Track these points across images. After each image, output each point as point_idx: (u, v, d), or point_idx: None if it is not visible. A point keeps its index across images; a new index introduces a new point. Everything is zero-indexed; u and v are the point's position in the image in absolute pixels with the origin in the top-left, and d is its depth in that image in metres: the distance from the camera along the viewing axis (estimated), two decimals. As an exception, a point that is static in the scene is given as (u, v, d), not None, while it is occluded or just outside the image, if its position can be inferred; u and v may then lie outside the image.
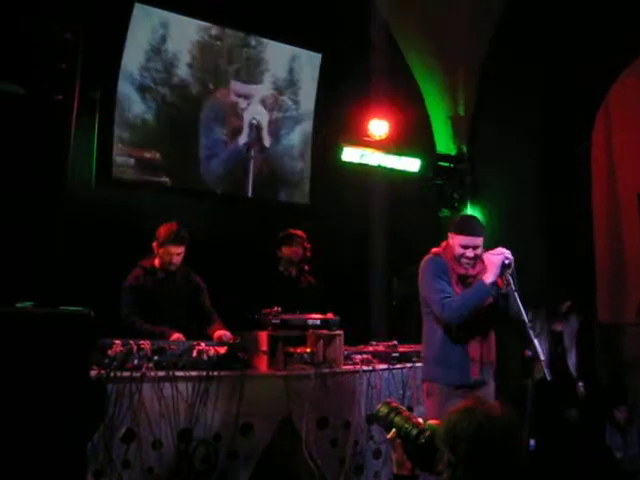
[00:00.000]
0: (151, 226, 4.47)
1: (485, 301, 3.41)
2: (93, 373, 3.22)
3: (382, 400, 2.42)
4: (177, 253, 4.26)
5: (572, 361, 5.45)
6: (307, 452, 3.71)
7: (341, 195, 6.41)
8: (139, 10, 5.39)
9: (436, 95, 6.97)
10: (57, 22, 4.13)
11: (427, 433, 1.98)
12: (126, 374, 3.32)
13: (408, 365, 4.27)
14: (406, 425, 2.05)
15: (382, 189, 6.65)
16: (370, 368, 4.07)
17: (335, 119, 6.39)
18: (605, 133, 7.07)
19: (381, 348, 4.37)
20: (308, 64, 6.44)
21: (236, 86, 6.09)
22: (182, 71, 5.77)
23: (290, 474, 3.79)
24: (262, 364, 3.76)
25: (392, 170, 6.63)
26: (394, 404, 2.17)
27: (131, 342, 3.44)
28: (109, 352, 3.36)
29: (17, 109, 4.22)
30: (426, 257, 3.59)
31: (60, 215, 4.33)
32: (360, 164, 6.46)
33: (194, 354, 3.58)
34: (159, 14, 5.54)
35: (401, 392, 4.20)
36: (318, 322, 3.96)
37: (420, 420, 2.09)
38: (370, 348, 4.39)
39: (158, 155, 5.67)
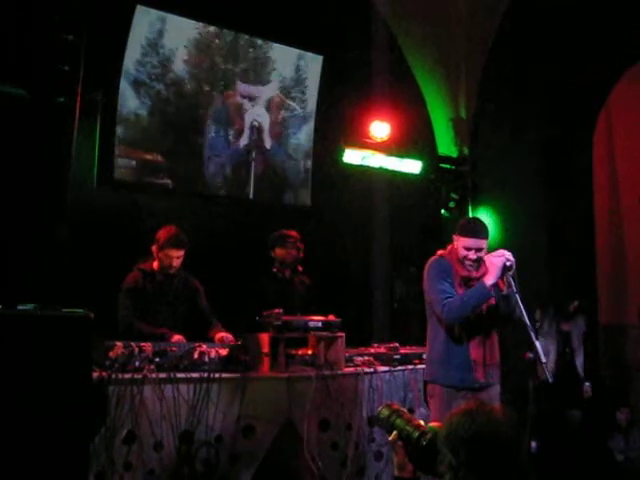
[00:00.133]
0: (152, 228, 4.47)
1: (485, 302, 3.42)
2: (94, 375, 3.21)
3: (383, 402, 2.41)
4: (177, 257, 4.25)
5: (580, 361, 5.45)
6: (308, 454, 3.70)
7: (343, 197, 6.41)
8: (140, 11, 5.40)
9: (437, 97, 6.98)
10: (59, 24, 4.14)
11: (429, 435, 1.98)
12: (127, 376, 3.32)
13: (409, 367, 4.27)
14: (407, 427, 2.05)
15: (383, 191, 6.66)
16: (371, 370, 4.07)
17: (337, 121, 6.39)
18: (606, 135, 7.07)
19: (382, 350, 4.37)
20: (314, 61, 6.44)
21: (242, 87, 6.09)
22: (178, 67, 5.74)
23: (291, 476, 3.79)
24: (263, 366, 3.76)
25: (393, 172, 6.64)
26: (395, 406, 2.17)
27: (132, 344, 3.44)
28: (110, 354, 3.36)
29: (19, 111, 4.22)
30: (431, 258, 3.62)
31: (61, 217, 4.34)
32: (362, 166, 6.46)
33: (195, 356, 3.58)
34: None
35: (402, 394, 4.19)
36: (320, 324, 3.96)
37: (421, 422, 2.08)
38: (371, 350, 4.39)
39: (160, 157, 5.68)
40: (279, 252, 4.84)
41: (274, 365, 3.75)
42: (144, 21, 5.46)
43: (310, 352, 3.91)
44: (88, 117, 4.93)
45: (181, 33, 5.72)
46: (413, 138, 6.72)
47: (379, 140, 6.47)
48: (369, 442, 4.02)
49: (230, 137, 6.03)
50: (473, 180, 6.85)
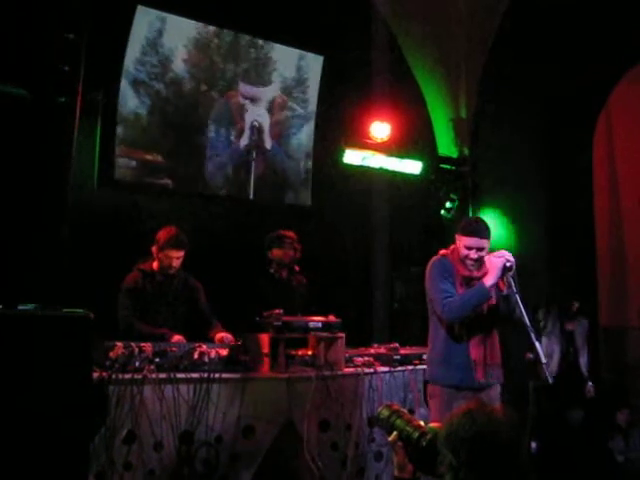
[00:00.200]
0: (152, 228, 4.47)
1: (485, 303, 3.43)
2: (95, 375, 3.21)
3: (383, 403, 2.41)
4: (177, 257, 4.26)
5: (584, 361, 5.46)
6: (308, 455, 3.70)
7: (343, 197, 6.41)
8: (141, 11, 5.40)
9: (438, 98, 6.98)
10: (60, 24, 4.14)
11: (429, 436, 1.98)
12: (127, 376, 3.32)
13: (410, 367, 4.27)
14: (407, 428, 2.05)
15: (384, 191, 6.66)
16: (371, 371, 4.07)
17: (337, 121, 6.39)
18: (606, 136, 7.08)
19: (383, 350, 4.37)
20: (315, 62, 6.44)
21: (244, 88, 6.09)
22: (177, 67, 5.73)
23: (291, 477, 3.79)
24: (264, 366, 3.76)
25: (394, 172, 6.64)
26: (395, 407, 2.17)
27: (132, 344, 3.44)
28: (110, 354, 3.36)
29: (20, 111, 4.22)
30: (433, 258, 3.63)
31: (62, 217, 4.34)
32: (362, 166, 6.46)
33: (195, 356, 3.58)
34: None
35: (402, 395, 4.19)
36: (320, 325, 3.96)
37: (421, 423, 2.08)
38: (372, 350, 4.39)
39: (160, 157, 5.68)
40: (276, 253, 4.84)
41: (274, 365, 3.75)
42: (144, 20, 5.46)
43: (310, 352, 3.91)
44: (89, 117, 4.93)
45: (181, 32, 5.71)
46: (413, 138, 6.72)
47: (379, 140, 6.47)
48: (369, 442, 4.02)
49: (231, 137, 6.03)
50: (473, 181, 6.85)
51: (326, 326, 3.97)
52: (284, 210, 6.30)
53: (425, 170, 6.75)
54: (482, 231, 3.51)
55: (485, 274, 3.42)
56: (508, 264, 3.31)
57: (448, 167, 6.90)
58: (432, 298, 3.54)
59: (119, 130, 5.44)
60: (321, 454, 3.77)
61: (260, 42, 6.15)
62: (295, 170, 6.43)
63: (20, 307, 3.00)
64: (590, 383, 5.45)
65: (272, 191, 6.31)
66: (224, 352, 3.70)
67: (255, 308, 4.01)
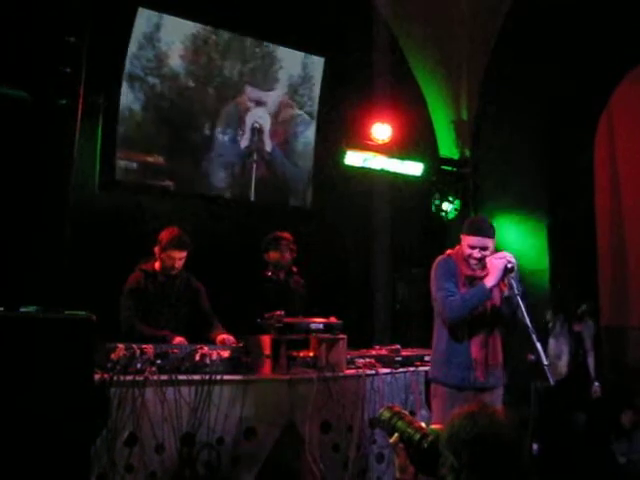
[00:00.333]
0: (154, 230, 4.48)
1: (484, 303, 3.44)
2: (96, 377, 3.21)
3: (385, 404, 2.41)
4: (179, 258, 4.26)
5: (591, 363, 5.46)
6: (310, 456, 3.70)
7: (344, 199, 6.41)
8: (142, 14, 5.40)
9: (439, 99, 6.98)
10: (61, 26, 4.14)
11: (430, 438, 1.98)
12: (129, 378, 3.32)
13: (411, 369, 4.28)
14: (409, 429, 2.05)
15: (385, 193, 6.66)
16: (373, 372, 4.07)
17: (338, 123, 6.40)
18: (608, 137, 7.07)
19: (384, 352, 4.37)
20: (318, 61, 6.44)
21: (252, 92, 6.09)
22: (174, 62, 5.68)
23: (293, 478, 3.79)
24: (265, 368, 3.76)
25: (395, 174, 6.64)
26: (397, 408, 2.17)
27: (134, 346, 3.44)
28: (112, 356, 3.36)
29: (20, 113, 4.22)
30: (438, 258, 3.65)
31: (63, 219, 4.33)
32: (363, 168, 6.46)
33: (197, 358, 3.58)
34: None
35: (404, 396, 4.20)
36: (321, 326, 3.96)
37: (423, 425, 2.08)
38: (373, 352, 4.39)
39: (161, 159, 5.68)
40: (273, 255, 4.84)
41: (276, 367, 3.75)
42: (143, 17, 5.41)
43: (311, 354, 3.91)
44: (90, 119, 4.93)
45: (178, 28, 5.65)
46: (414, 140, 6.72)
47: (380, 142, 6.47)
48: (370, 444, 4.02)
49: (231, 139, 6.03)
50: (475, 182, 6.85)
51: (327, 328, 3.98)
52: (285, 212, 6.30)
53: (426, 172, 6.75)
54: (485, 230, 3.52)
55: (487, 274, 3.43)
56: (509, 265, 3.32)
57: (449, 169, 6.90)
58: (435, 297, 3.58)
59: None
60: (322, 456, 3.77)
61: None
62: (296, 172, 6.43)
63: (22, 309, 3.00)
64: (597, 384, 5.45)
65: (273, 193, 6.31)
66: (225, 354, 3.70)
67: (255, 310, 4.01)
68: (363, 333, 5.40)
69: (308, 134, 6.43)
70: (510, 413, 1.75)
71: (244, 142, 6.10)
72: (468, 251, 3.50)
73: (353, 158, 6.40)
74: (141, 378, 3.35)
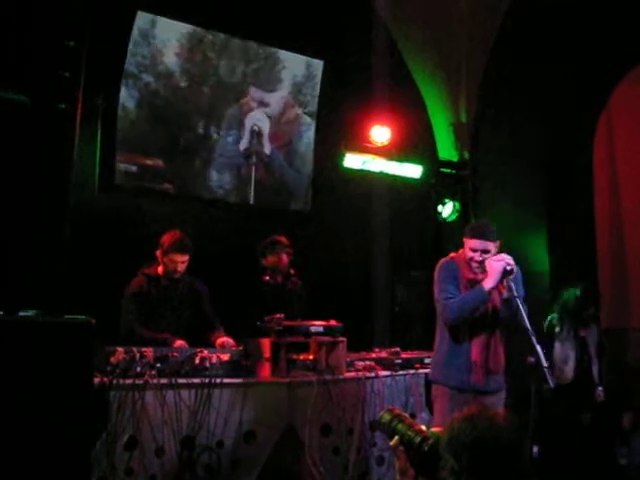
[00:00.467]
0: (154, 233, 4.48)
1: (483, 305, 3.45)
2: (96, 380, 3.21)
3: (385, 407, 2.41)
4: (181, 261, 4.27)
5: (595, 368, 5.47)
6: (310, 459, 3.70)
7: (343, 201, 6.41)
8: (141, 17, 5.39)
9: (438, 102, 6.98)
10: (60, 31, 4.15)
11: (430, 441, 1.98)
12: (129, 381, 3.32)
13: (411, 372, 4.28)
14: (409, 432, 2.05)
15: (384, 195, 6.66)
16: (373, 375, 4.07)
17: (337, 125, 6.40)
18: (607, 138, 7.07)
19: (384, 355, 4.37)
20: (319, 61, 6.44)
21: (256, 93, 6.08)
22: (169, 60, 5.62)
23: (293, 481, 3.79)
24: (265, 371, 3.76)
25: (394, 176, 6.64)
26: (397, 411, 2.17)
27: (134, 349, 3.44)
28: (112, 359, 3.36)
29: (20, 117, 4.23)
30: (441, 260, 3.67)
31: (63, 223, 4.34)
32: (362, 170, 6.47)
33: (197, 361, 3.58)
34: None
35: (404, 399, 4.20)
36: (321, 329, 3.96)
37: (423, 427, 2.08)
38: (373, 355, 4.39)
39: (160, 162, 5.67)
40: (271, 259, 4.84)
41: (275, 370, 3.75)
42: (139, 16, 5.40)
43: (311, 357, 3.91)
44: (89, 123, 4.94)
45: (174, 26, 5.62)
46: (413, 142, 6.73)
47: (379, 144, 6.47)
48: (371, 447, 4.02)
49: (232, 141, 6.03)
50: (474, 184, 6.85)
51: (327, 330, 3.98)
52: (284, 215, 6.30)
53: (425, 174, 6.75)
54: (487, 233, 3.52)
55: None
56: (508, 267, 3.32)
57: (448, 171, 6.89)
58: (436, 299, 3.61)
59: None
60: (323, 459, 3.77)
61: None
62: (295, 175, 6.43)
63: (21, 313, 3.00)
64: (600, 388, 5.46)
65: (272, 196, 6.30)
66: (225, 357, 3.70)
67: (254, 314, 4.02)
68: (363, 336, 5.39)
69: (308, 136, 6.43)
70: (510, 416, 1.74)
71: (243, 145, 6.10)
72: (470, 254, 3.52)
73: (352, 161, 6.40)
74: (141, 381, 3.35)
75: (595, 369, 5.48)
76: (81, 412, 2.98)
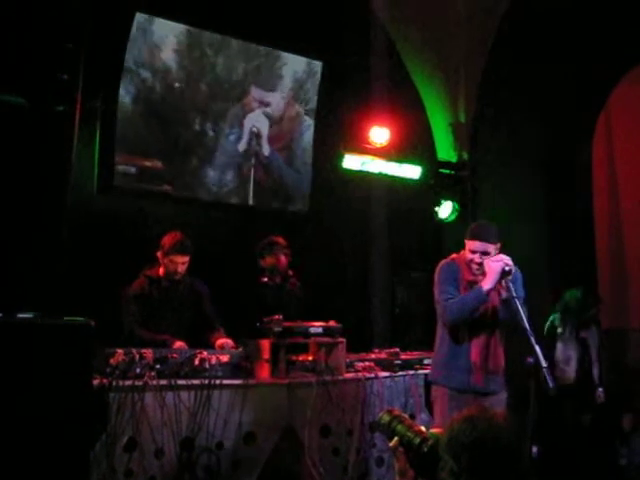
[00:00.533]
0: (153, 234, 4.48)
1: (481, 305, 3.45)
2: (95, 382, 3.21)
3: (384, 408, 2.41)
4: (182, 262, 4.28)
5: (596, 369, 5.48)
6: (310, 460, 3.70)
7: (342, 203, 6.41)
8: (140, 19, 5.39)
9: (437, 102, 6.99)
10: (59, 33, 4.15)
11: (430, 442, 1.97)
12: (128, 383, 3.32)
13: (411, 372, 4.28)
14: (408, 433, 2.05)
15: (383, 196, 6.66)
16: (372, 376, 4.07)
17: (336, 126, 6.40)
18: (606, 138, 7.08)
19: (383, 355, 4.37)
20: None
21: (255, 91, 6.08)
22: (166, 56, 5.57)
23: (293, 483, 3.79)
24: (264, 372, 3.76)
25: (393, 177, 6.64)
26: (396, 412, 2.17)
27: (133, 351, 3.44)
28: (111, 361, 3.36)
29: (19, 119, 4.23)
30: (442, 261, 3.68)
31: (62, 224, 4.34)
32: (361, 171, 6.46)
33: (196, 363, 3.58)
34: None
35: (404, 400, 4.20)
36: (320, 330, 3.96)
37: (422, 428, 2.08)
38: (372, 355, 4.40)
39: (159, 163, 5.67)
40: (269, 260, 4.84)
41: (275, 371, 3.75)
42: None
43: (311, 358, 3.92)
44: (88, 124, 4.94)
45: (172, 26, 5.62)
46: (412, 143, 6.72)
47: (378, 145, 6.47)
48: (370, 448, 4.02)
49: (231, 142, 6.03)
50: (473, 185, 6.85)
51: (327, 331, 3.98)
52: (283, 216, 6.30)
53: (424, 175, 6.75)
54: (487, 235, 3.52)
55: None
56: (507, 268, 3.32)
57: (447, 171, 6.89)
58: (436, 300, 3.61)
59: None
60: (322, 460, 3.77)
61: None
62: (294, 176, 6.43)
63: (20, 315, 3.00)
64: (600, 389, 5.47)
65: (271, 197, 6.30)
66: (225, 358, 3.71)
67: (252, 315, 4.02)
68: (362, 337, 5.40)
69: (308, 137, 6.43)
70: (509, 416, 1.75)
71: (242, 146, 6.10)
72: (470, 256, 3.52)
73: (351, 162, 6.40)
74: (140, 383, 3.35)
75: (595, 370, 5.50)
76: (80, 414, 2.98)
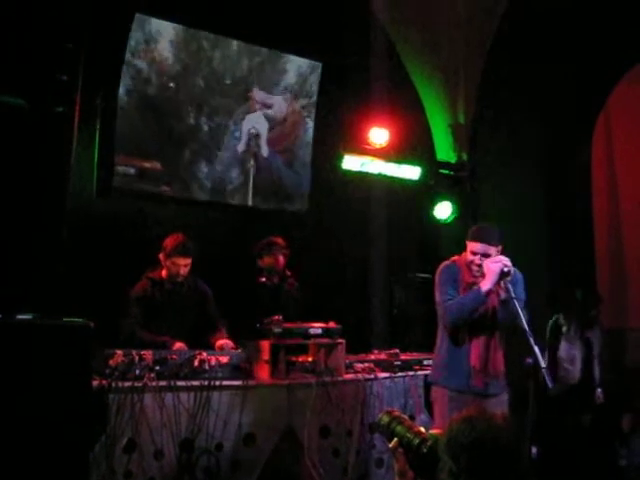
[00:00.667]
0: (153, 235, 4.47)
1: (482, 306, 3.44)
2: (94, 383, 3.21)
3: (384, 409, 2.41)
4: (184, 264, 4.28)
5: (597, 369, 5.49)
6: (309, 461, 3.70)
7: (341, 203, 6.41)
8: (139, 19, 5.38)
9: (436, 103, 6.98)
10: (58, 33, 4.15)
11: (429, 442, 1.98)
12: (128, 384, 3.32)
13: (410, 373, 4.28)
14: (408, 434, 2.05)
15: (382, 197, 6.66)
16: (372, 377, 4.07)
17: (335, 127, 6.40)
18: (605, 138, 7.09)
19: (383, 356, 4.37)
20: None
21: (259, 95, 6.08)
22: (163, 47, 5.52)
23: (293, 484, 3.78)
24: (264, 373, 3.76)
25: (392, 178, 6.64)
26: (396, 413, 2.17)
27: (133, 352, 3.44)
28: (110, 362, 3.36)
29: (18, 120, 4.23)
30: (443, 263, 3.68)
31: (61, 226, 4.34)
32: (360, 172, 6.46)
33: (196, 364, 3.58)
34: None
35: (403, 401, 4.19)
36: (320, 331, 3.96)
37: (422, 429, 2.08)
38: (372, 356, 4.40)
39: (158, 165, 5.66)
40: (267, 260, 4.84)
41: (274, 372, 3.75)
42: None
43: (310, 359, 3.92)
44: (87, 126, 4.94)
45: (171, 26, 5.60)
46: (412, 144, 6.72)
47: (378, 146, 6.47)
48: (370, 449, 4.02)
49: (230, 143, 6.02)
50: (472, 185, 6.85)
51: (326, 332, 3.98)
52: (282, 216, 6.29)
53: (424, 175, 6.75)
54: (488, 237, 3.52)
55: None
56: (505, 269, 3.32)
57: (447, 172, 6.89)
58: (436, 301, 3.62)
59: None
60: (322, 461, 3.77)
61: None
62: (293, 176, 6.43)
63: (19, 316, 3.00)
64: (599, 389, 5.47)
65: (270, 198, 6.30)
66: (224, 359, 3.70)
67: (251, 315, 4.02)
68: (361, 338, 5.39)
69: (308, 137, 6.42)
70: (508, 417, 1.75)
71: (241, 147, 6.10)
72: (470, 257, 3.53)
73: (350, 162, 6.40)
74: (140, 384, 3.34)
75: (597, 371, 5.51)
76: (80, 415, 2.98)
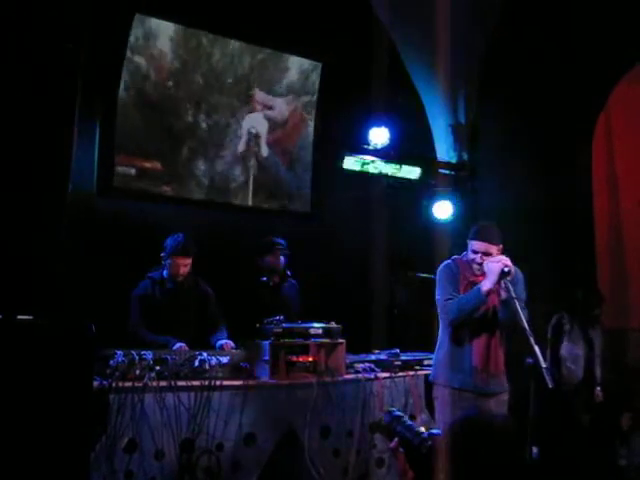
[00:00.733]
0: (152, 235, 4.48)
1: (480, 306, 3.44)
2: (95, 383, 3.21)
3: (384, 409, 2.41)
4: (184, 264, 4.30)
5: (599, 368, 5.50)
6: (310, 461, 3.70)
7: (342, 203, 6.41)
8: (139, 19, 5.38)
9: (436, 103, 6.98)
10: (58, 33, 4.15)
11: (429, 442, 1.98)
12: (128, 384, 3.33)
13: (410, 373, 4.27)
14: (408, 434, 2.05)
15: (382, 197, 6.65)
16: (372, 376, 4.07)
17: (336, 127, 6.40)
18: (605, 138, 7.08)
19: (383, 356, 4.37)
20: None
21: (259, 95, 6.08)
22: (162, 44, 5.53)
23: (293, 484, 3.79)
24: (264, 373, 3.76)
25: (392, 178, 6.63)
26: (396, 413, 2.17)
27: (133, 352, 3.45)
28: (111, 362, 3.36)
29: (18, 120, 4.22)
30: (443, 262, 3.70)
31: (61, 226, 4.33)
32: (361, 172, 6.46)
33: (196, 364, 3.58)
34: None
35: (403, 400, 4.19)
36: (320, 331, 3.96)
37: (422, 429, 2.08)
38: (372, 356, 4.39)
39: (159, 164, 5.67)
40: (268, 260, 4.85)
41: (275, 372, 3.75)
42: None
43: (311, 359, 3.91)
44: (87, 126, 4.93)
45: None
46: (412, 144, 6.72)
47: (378, 146, 6.47)
48: (370, 449, 4.02)
49: (230, 143, 6.02)
50: (472, 185, 6.85)
51: (327, 332, 3.98)
52: (283, 216, 6.30)
53: (424, 175, 6.74)
54: (490, 236, 3.53)
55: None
56: (506, 269, 3.33)
57: (447, 172, 6.89)
58: (436, 300, 3.64)
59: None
60: (322, 461, 3.77)
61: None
62: (294, 176, 6.43)
63: (20, 317, 3.00)
64: (598, 388, 5.48)
65: (270, 197, 6.30)
66: (225, 360, 3.70)
67: (251, 315, 4.02)
68: (362, 337, 5.39)
69: (308, 137, 6.42)
70: (508, 417, 1.75)
71: (241, 146, 6.10)
72: (472, 256, 3.54)
73: (351, 162, 6.39)
74: (140, 384, 3.35)
75: (598, 370, 5.51)
76: (80, 415, 2.97)
